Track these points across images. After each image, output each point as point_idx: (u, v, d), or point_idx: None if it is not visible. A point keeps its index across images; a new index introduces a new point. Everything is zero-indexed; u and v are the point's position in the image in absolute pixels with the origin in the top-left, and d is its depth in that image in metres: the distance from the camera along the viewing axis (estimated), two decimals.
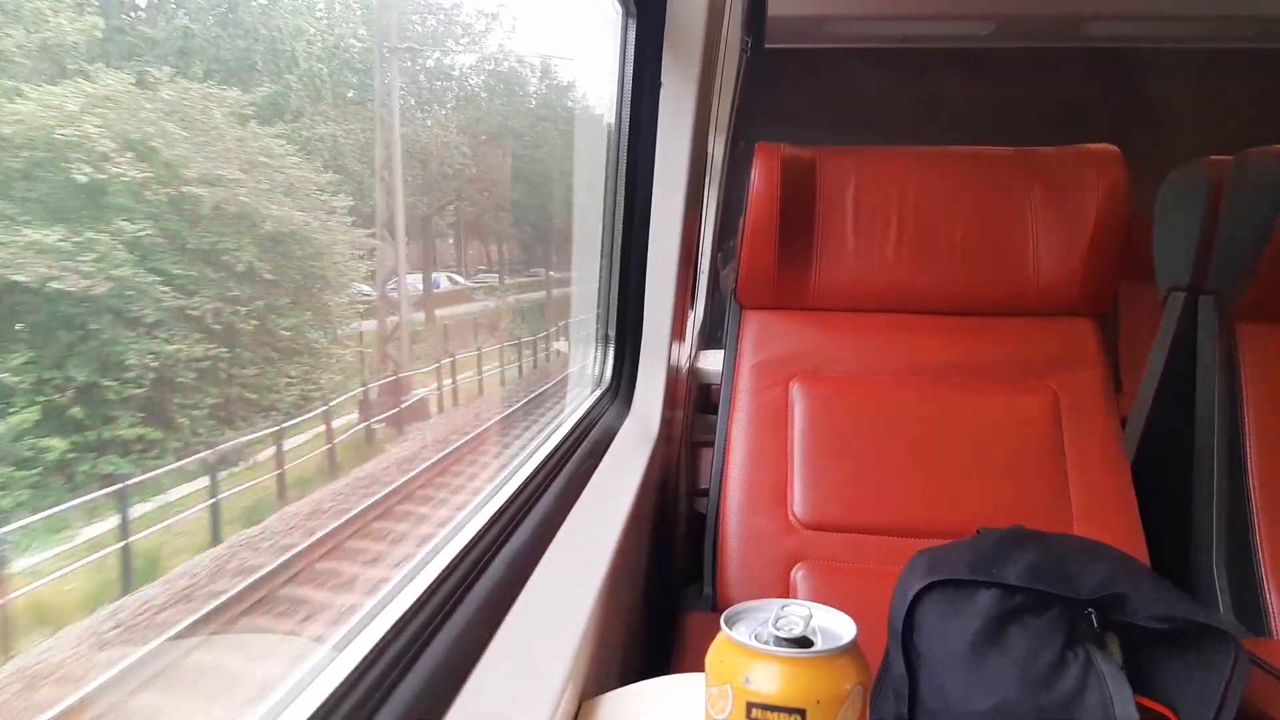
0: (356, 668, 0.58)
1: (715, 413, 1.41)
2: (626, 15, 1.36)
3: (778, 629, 0.48)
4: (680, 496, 1.77)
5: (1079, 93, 2.78)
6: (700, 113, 1.36)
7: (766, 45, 2.55)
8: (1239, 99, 2.55)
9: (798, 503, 1.26)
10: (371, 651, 0.60)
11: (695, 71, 1.31)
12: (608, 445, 1.28)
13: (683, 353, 1.76)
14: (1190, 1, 2.33)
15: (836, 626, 0.49)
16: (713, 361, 2.02)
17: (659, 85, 1.33)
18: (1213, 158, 1.46)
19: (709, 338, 2.71)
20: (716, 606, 1.25)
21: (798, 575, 1.21)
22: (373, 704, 0.55)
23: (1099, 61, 2.75)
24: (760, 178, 1.33)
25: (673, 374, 1.56)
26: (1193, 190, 1.48)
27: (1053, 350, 1.33)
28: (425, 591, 0.69)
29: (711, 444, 1.40)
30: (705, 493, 1.38)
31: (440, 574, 0.72)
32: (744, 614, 0.52)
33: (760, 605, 0.52)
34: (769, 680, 0.47)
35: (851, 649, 0.48)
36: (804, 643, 0.48)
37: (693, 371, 2.03)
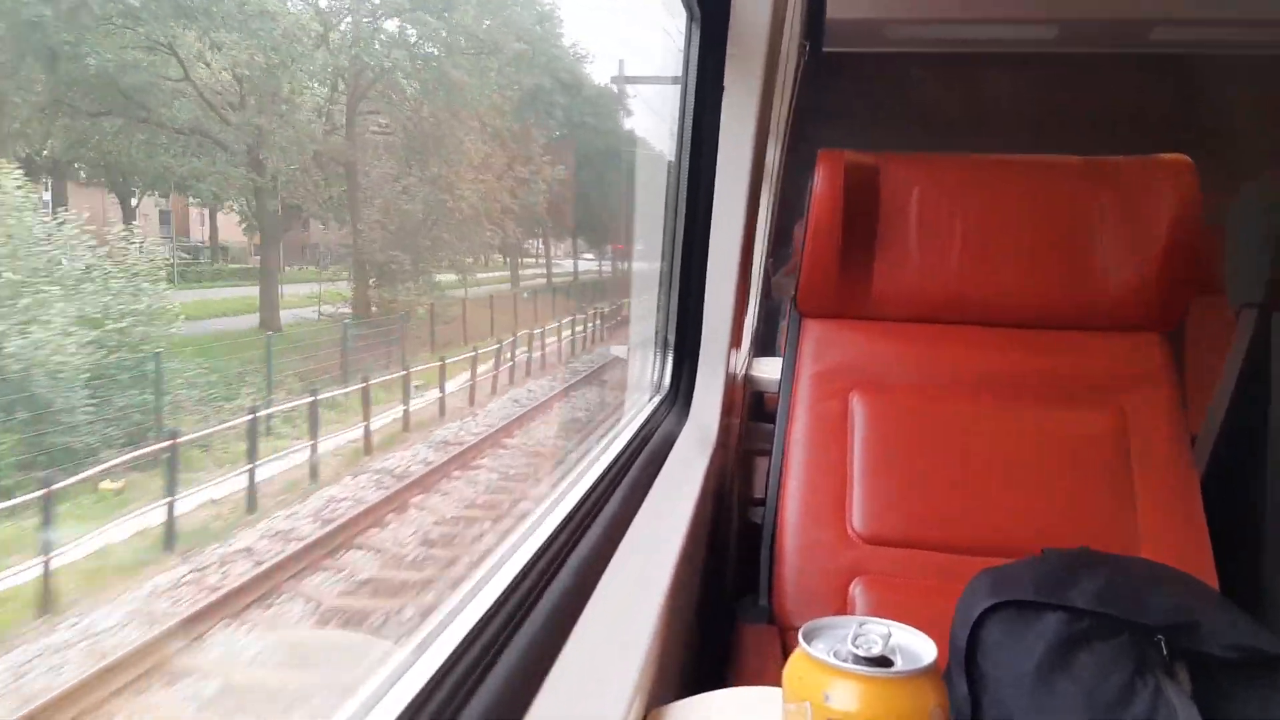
0: (435, 673, 0.59)
1: (769, 420, 1.41)
2: (690, 19, 1.37)
3: (856, 647, 0.49)
4: (734, 505, 1.77)
5: (1146, 99, 2.71)
6: (762, 117, 1.36)
7: (825, 49, 2.53)
8: None
9: (857, 516, 1.26)
10: (449, 657, 0.61)
11: (758, 76, 1.31)
12: (667, 452, 1.29)
13: (739, 360, 1.77)
14: (1263, 5, 2.26)
15: (916, 646, 0.50)
16: (766, 369, 2.02)
17: (721, 89, 1.34)
18: None
19: (761, 343, 2.71)
20: (773, 619, 1.25)
21: (856, 589, 1.21)
22: (453, 708, 0.57)
23: (1167, 67, 2.68)
24: (822, 184, 1.33)
25: (729, 381, 1.57)
26: (1269, 203, 1.45)
27: (1120, 366, 1.31)
28: (500, 596, 0.71)
29: (765, 452, 1.40)
30: (759, 502, 1.38)
31: (514, 579, 0.74)
32: (821, 630, 0.53)
33: (838, 622, 0.53)
34: (850, 699, 0.48)
35: (932, 670, 0.49)
36: (883, 661, 0.49)
37: (747, 379, 2.04)
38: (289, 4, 10.12)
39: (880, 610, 1.19)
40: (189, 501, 5.46)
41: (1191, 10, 2.31)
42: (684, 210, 1.45)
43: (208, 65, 9.37)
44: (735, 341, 1.56)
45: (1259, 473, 1.39)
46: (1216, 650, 0.67)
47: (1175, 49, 2.60)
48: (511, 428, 8.27)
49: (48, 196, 8.09)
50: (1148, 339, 1.33)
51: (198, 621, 4.14)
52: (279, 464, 6.54)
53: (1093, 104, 2.76)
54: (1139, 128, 2.68)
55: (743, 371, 1.94)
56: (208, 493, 5.74)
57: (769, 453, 1.39)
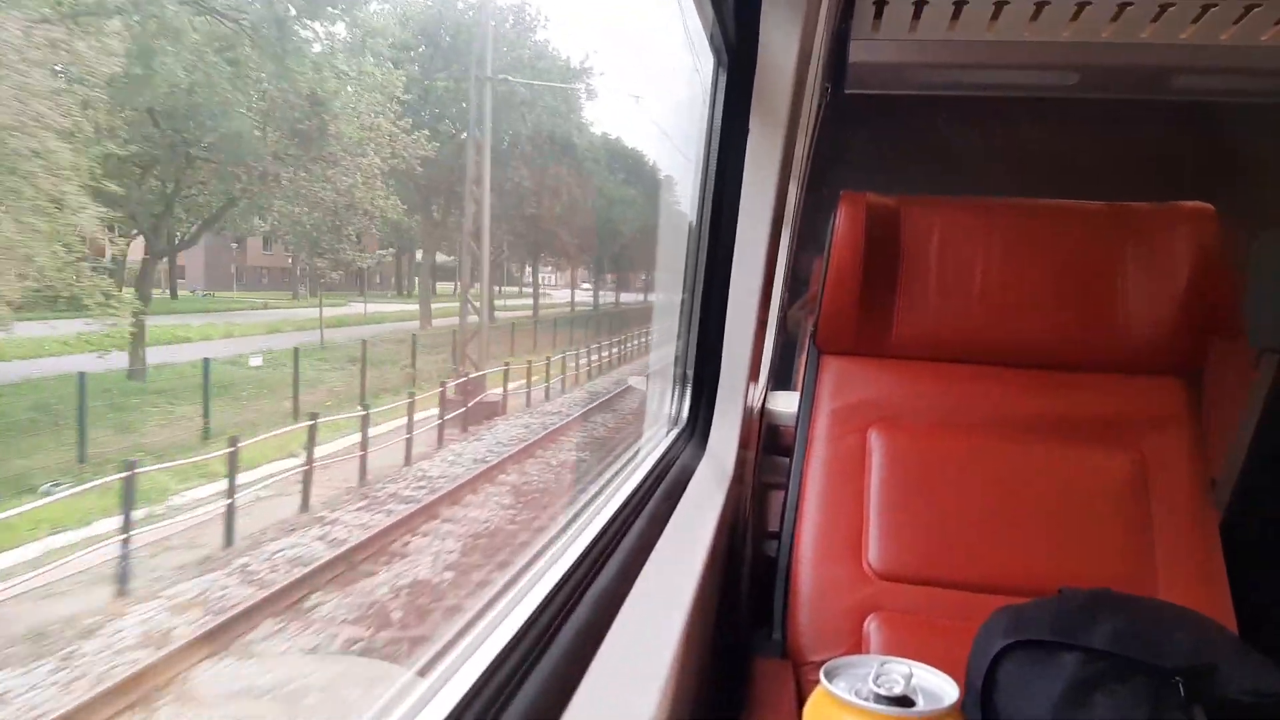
0: (457, 706, 0.60)
1: (784, 454, 1.42)
2: (718, 65, 1.40)
3: (878, 686, 0.50)
4: (749, 538, 1.77)
5: (1169, 146, 2.72)
6: (785, 159, 1.39)
7: (846, 91, 2.57)
8: None
9: (873, 552, 1.26)
10: (470, 690, 0.62)
11: (782, 120, 1.34)
12: (685, 485, 1.30)
13: (755, 393, 1.78)
14: None
15: (937, 686, 0.51)
16: (783, 403, 2.03)
17: (745, 131, 1.37)
18: None
19: (775, 377, 2.71)
20: (787, 654, 1.25)
21: (871, 626, 1.21)
22: None
23: (1190, 115, 2.69)
24: (844, 225, 1.35)
25: (746, 415, 1.58)
26: None
27: (1141, 409, 1.31)
28: (521, 628, 0.71)
29: (780, 486, 1.40)
30: (774, 535, 1.38)
31: (534, 611, 0.75)
32: (843, 669, 0.53)
33: (859, 661, 0.53)
34: None
35: (953, 711, 0.49)
36: (904, 701, 0.49)
37: (763, 412, 2.04)
38: None
39: (896, 647, 1.18)
40: None
41: (1213, 60, 2.32)
42: (705, 247, 1.48)
43: None
44: (753, 375, 1.57)
45: (1278, 516, 1.38)
46: (1234, 694, 0.67)
47: (1198, 97, 2.62)
48: None
49: None
50: (1168, 382, 1.33)
51: None
52: None
53: (1116, 150, 2.77)
54: (1161, 173, 2.69)
55: (759, 405, 1.95)
56: None
57: (783, 486, 1.39)
